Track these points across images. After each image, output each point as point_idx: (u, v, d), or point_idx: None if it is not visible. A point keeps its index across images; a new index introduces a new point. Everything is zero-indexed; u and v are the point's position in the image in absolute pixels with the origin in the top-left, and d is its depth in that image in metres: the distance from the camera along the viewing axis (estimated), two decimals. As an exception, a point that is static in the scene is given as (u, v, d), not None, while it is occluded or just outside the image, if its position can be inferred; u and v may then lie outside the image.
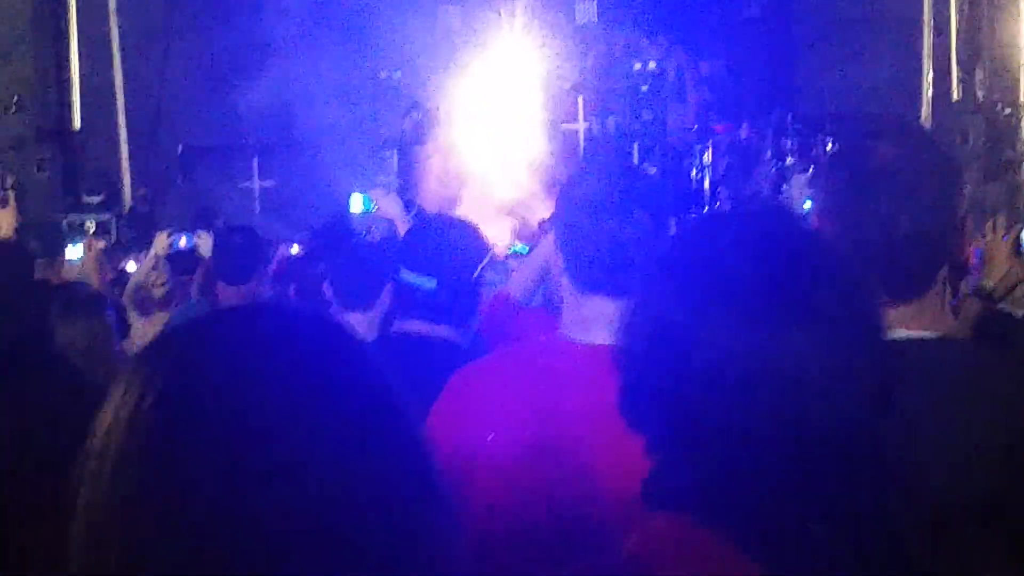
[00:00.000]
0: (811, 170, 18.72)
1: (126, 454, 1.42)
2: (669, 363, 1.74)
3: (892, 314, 2.68)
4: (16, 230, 8.19)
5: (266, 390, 1.40)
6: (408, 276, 4.14)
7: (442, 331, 4.11)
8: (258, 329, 1.50)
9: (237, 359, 1.44)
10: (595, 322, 3.14)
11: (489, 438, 3.06)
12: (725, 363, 1.69)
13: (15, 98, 18.03)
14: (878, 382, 1.75)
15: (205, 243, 8.33)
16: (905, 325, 2.66)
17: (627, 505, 2.92)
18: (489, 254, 4.45)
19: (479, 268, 4.18)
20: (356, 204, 15.14)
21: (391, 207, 7.33)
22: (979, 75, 18.46)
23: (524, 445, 3.08)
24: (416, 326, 4.13)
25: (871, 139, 2.78)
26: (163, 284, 8.51)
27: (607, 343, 3.05)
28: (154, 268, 8.87)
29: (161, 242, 9.32)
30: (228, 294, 6.42)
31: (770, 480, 1.69)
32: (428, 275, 4.11)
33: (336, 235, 5.78)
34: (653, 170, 20.00)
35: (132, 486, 1.40)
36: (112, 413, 1.45)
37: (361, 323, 4.48)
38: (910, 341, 2.65)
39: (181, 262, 9.01)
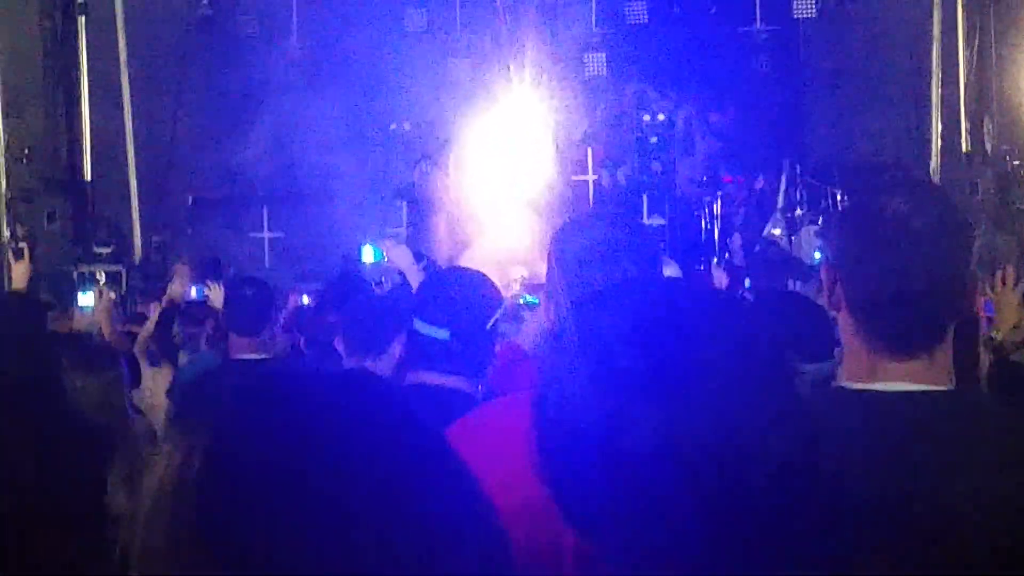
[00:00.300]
0: (820, 221, 18.77)
1: (177, 518, 1.43)
2: (579, 430, 1.74)
3: (903, 368, 2.68)
4: (29, 281, 8.21)
5: (311, 450, 1.41)
6: (421, 327, 4.15)
7: (455, 382, 4.11)
8: (301, 390, 1.50)
9: (284, 420, 1.44)
10: None
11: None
12: (633, 436, 1.68)
13: (26, 150, 18.08)
14: (791, 442, 1.72)
15: (216, 294, 8.36)
16: (916, 379, 2.66)
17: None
18: (502, 305, 4.45)
19: (492, 319, 4.18)
20: (368, 255, 15.17)
21: (401, 258, 7.36)
22: (988, 126, 18.50)
23: (522, 492, 3.08)
24: (429, 377, 4.13)
25: (883, 193, 2.79)
26: (174, 335, 8.53)
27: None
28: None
29: (173, 292, 9.35)
30: (240, 345, 6.43)
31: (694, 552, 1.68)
32: (441, 326, 4.11)
33: (347, 286, 5.79)
34: (662, 221, 20.07)
35: (186, 549, 1.40)
36: (157, 480, 1.46)
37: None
38: (922, 394, 2.65)
39: (192, 313, 9.03)
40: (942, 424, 2.61)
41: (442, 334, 4.11)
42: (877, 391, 2.69)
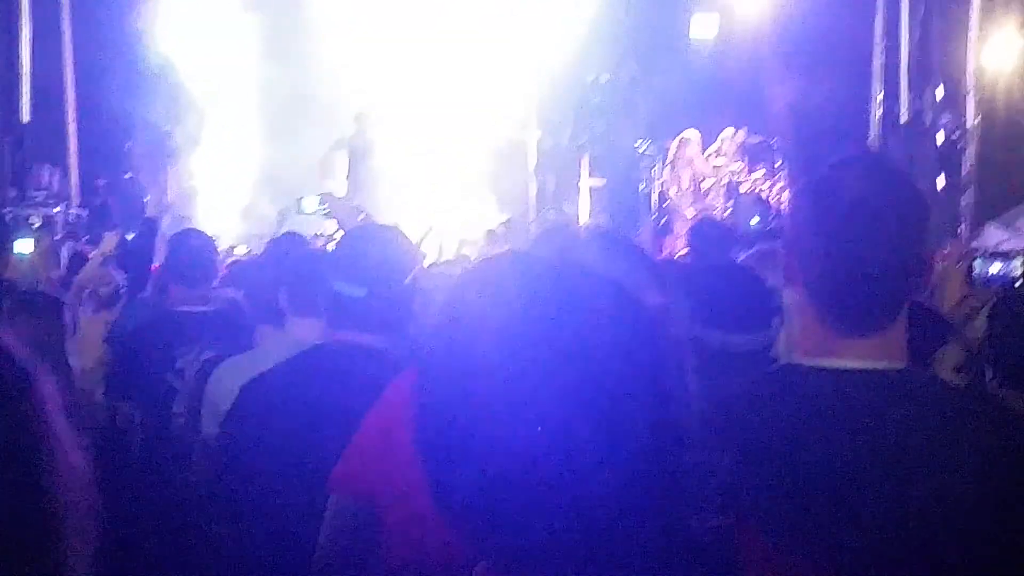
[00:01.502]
0: (755, 189, 18.88)
1: None
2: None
3: (857, 346, 2.69)
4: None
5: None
6: (340, 286, 4.15)
7: (375, 340, 4.11)
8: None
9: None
10: None
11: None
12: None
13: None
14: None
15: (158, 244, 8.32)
16: (870, 357, 2.67)
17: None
18: (420, 263, 4.46)
19: (410, 275, 4.18)
20: (310, 205, 15.17)
21: (342, 211, 7.35)
22: (928, 98, 18.61)
23: None
24: (350, 335, 4.14)
25: (840, 169, 2.79)
26: (109, 283, 8.48)
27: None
28: (101, 267, 8.84)
29: (109, 242, 9.29)
30: (181, 296, 6.41)
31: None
32: (359, 284, 4.11)
33: (288, 241, 5.75)
34: (603, 181, 20.11)
35: None
36: None
37: (313, 330, 4.49)
38: (874, 373, 2.65)
39: (127, 261, 8.97)
40: (894, 403, 2.62)
41: (359, 292, 4.11)
42: (829, 368, 2.69)
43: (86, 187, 20.62)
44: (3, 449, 1.58)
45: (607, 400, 1.64)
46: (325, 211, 16.67)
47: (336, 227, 18.08)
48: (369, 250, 4.22)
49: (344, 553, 3.51)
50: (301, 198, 14.75)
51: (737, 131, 19.22)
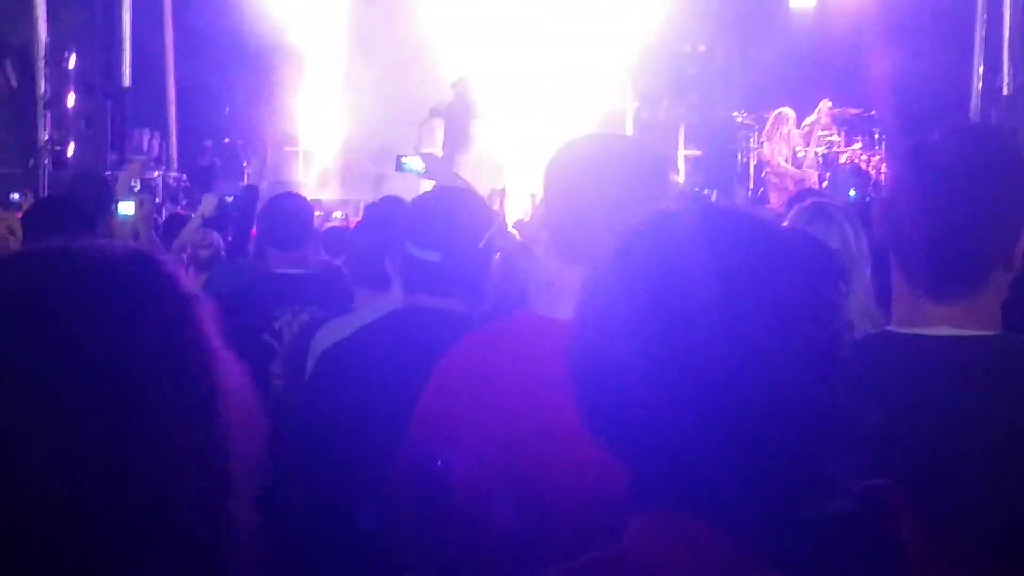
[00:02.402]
0: (853, 160, 18.74)
1: None
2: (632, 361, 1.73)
3: (945, 312, 2.67)
4: (73, 186, 8.23)
5: None
6: (414, 250, 4.16)
7: (450, 303, 4.12)
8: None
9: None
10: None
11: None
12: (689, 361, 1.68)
13: (65, 54, 18.10)
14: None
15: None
16: (958, 323, 2.65)
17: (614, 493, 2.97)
18: (495, 224, 4.45)
19: (484, 238, 4.18)
20: (412, 163, 15.38)
21: (441, 171, 7.40)
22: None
23: (521, 421, 3.09)
24: (425, 299, 4.15)
25: (942, 136, 2.76)
26: (208, 245, 8.55)
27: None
28: (200, 229, 8.92)
29: (208, 204, 9.35)
30: (278, 259, 6.46)
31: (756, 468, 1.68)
32: (432, 248, 4.12)
33: (388, 206, 5.76)
34: (699, 152, 20.04)
35: None
36: None
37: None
38: (962, 339, 2.63)
39: (226, 224, 9.03)
40: (987, 370, 2.59)
41: (433, 256, 4.12)
42: (920, 335, 2.68)
43: (184, 152, 20.81)
44: (172, 369, 1.59)
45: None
46: (424, 171, 16.80)
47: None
48: (442, 214, 4.23)
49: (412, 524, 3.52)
50: (402, 156, 14.85)
51: (834, 103, 19.06)
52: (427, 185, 18.04)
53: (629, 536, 1.75)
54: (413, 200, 4.61)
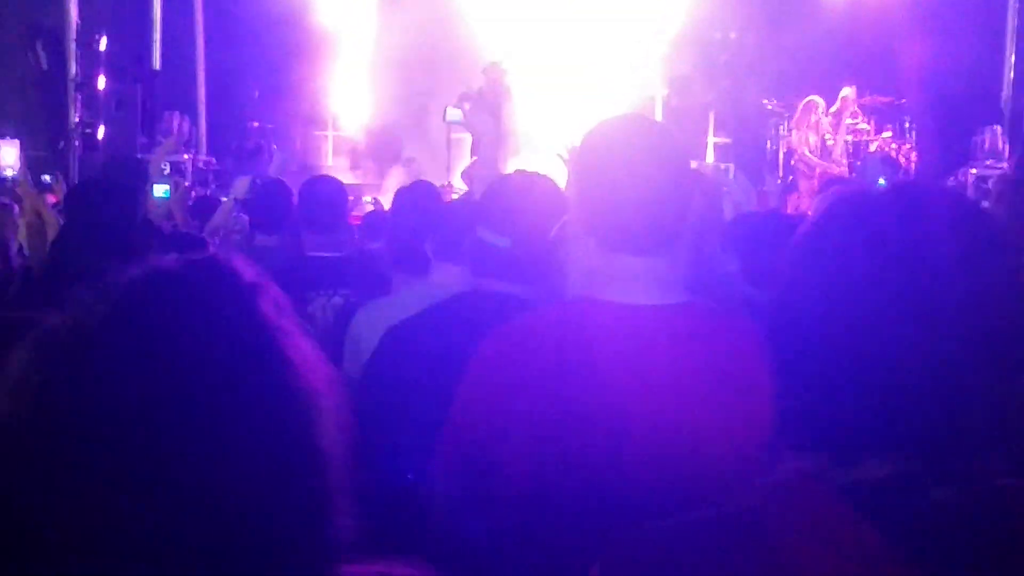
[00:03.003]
0: (880, 148, 18.68)
1: None
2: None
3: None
4: (106, 168, 8.25)
5: None
6: (484, 234, 4.15)
7: (518, 290, 4.11)
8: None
9: None
10: (623, 280, 3.16)
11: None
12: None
13: (96, 36, 18.13)
14: None
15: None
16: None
17: (688, 461, 2.98)
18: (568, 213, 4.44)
19: (555, 227, 4.16)
20: (452, 114, 15.56)
21: (479, 122, 7.40)
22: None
23: (576, 402, 3.11)
24: (493, 284, 4.14)
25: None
26: (241, 230, 8.56)
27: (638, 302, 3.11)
28: (233, 211, 8.94)
29: (241, 186, 9.38)
30: (314, 242, 6.48)
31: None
32: (503, 234, 4.11)
33: (421, 190, 5.76)
34: (729, 140, 20.01)
35: None
36: None
37: (456, 277, 4.50)
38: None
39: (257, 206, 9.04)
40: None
41: (503, 242, 4.11)
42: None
43: (213, 135, 20.83)
44: (250, 365, 1.68)
45: None
46: (463, 120, 16.99)
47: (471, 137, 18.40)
48: (516, 199, 4.21)
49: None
50: (448, 107, 15.08)
51: (854, 89, 19.00)
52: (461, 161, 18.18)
53: (758, 492, 1.75)
54: (489, 184, 4.59)
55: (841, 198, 1.83)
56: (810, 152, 18.43)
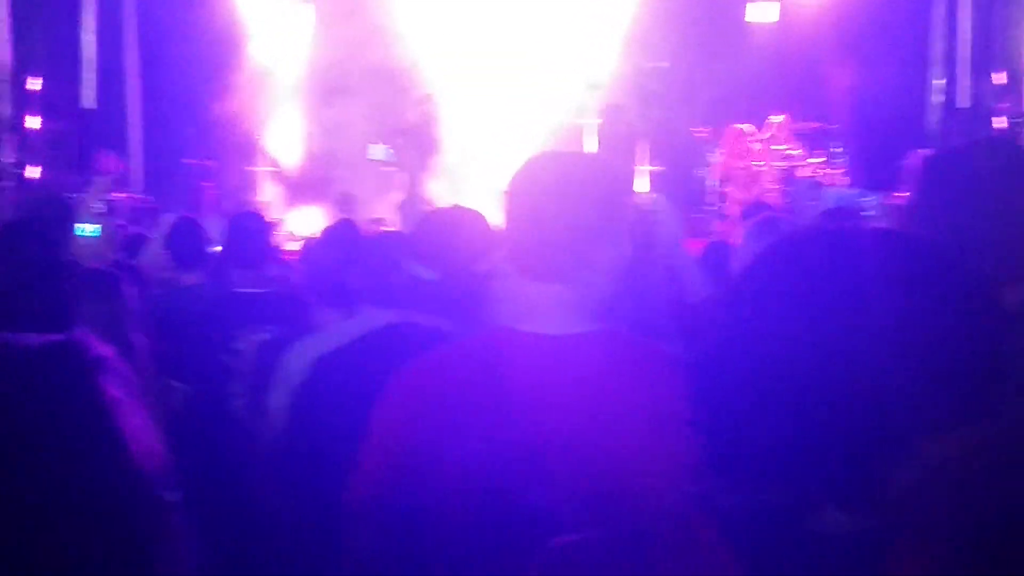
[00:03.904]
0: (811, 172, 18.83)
1: None
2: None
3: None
4: (30, 207, 8.24)
5: None
6: (412, 266, 4.19)
7: (445, 323, 4.14)
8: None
9: None
10: (539, 309, 3.21)
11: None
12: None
13: (28, 76, 18.06)
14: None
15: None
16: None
17: (599, 490, 3.02)
18: (498, 247, 4.46)
19: (485, 262, 4.19)
20: (376, 152, 15.65)
21: (405, 157, 7.43)
22: (988, 84, 18.49)
23: (497, 431, 3.14)
24: (419, 318, 4.17)
25: (973, 149, 2.86)
26: (170, 267, 8.54)
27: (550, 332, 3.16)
28: (160, 249, 8.91)
29: (167, 223, 9.34)
30: (241, 278, 6.51)
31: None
32: (430, 267, 4.14)
33: (345, 227, 5.80)
34: (661, 168, 20.11)
35: None
36: None
37: (378, 313, 4.52)
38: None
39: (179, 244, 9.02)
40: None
41: (431, 275, 4.14)
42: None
43: (149, 172, 20.77)
44: (81, 429, 2.02)
45: None
46: (389, 157, 16.94)
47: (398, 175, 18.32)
48: (444, 234, 4.25)
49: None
50: (369, 145, 15.16)
51: (785, 116, 19.17)
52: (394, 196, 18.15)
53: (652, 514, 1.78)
54: (419, 218, 4.62)
55: (773, 244, 1.87)
56: (737, 179, 18.56)
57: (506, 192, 3.30)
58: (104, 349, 2.09)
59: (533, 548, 2.80)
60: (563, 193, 3.17)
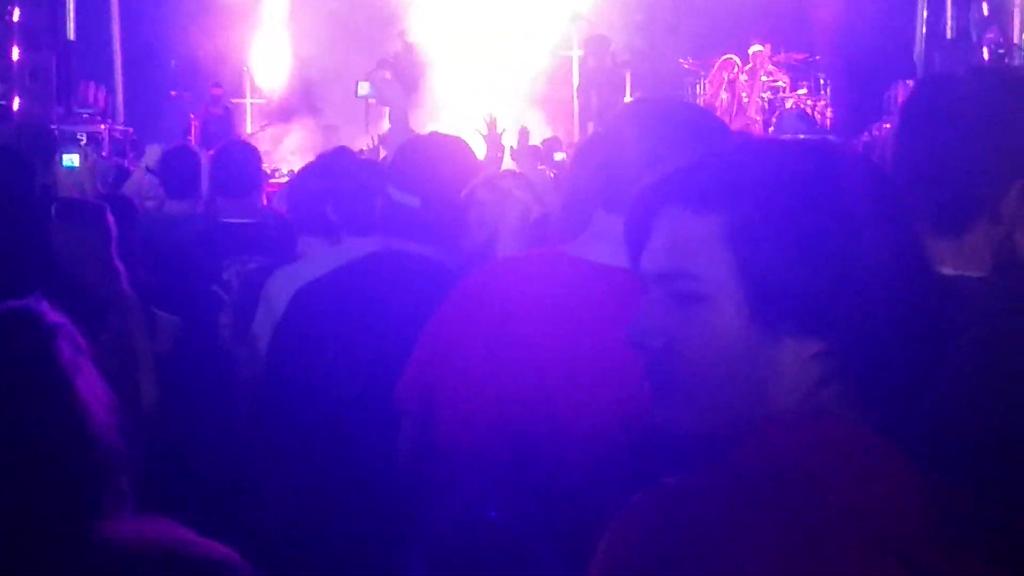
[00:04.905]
0: (796, 104, 18.83)
1: None
2: None
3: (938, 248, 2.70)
4: (14, 137, 8.24)
5: None
6: (394, 193, 4.18)
7: (427, 250, 4.14)
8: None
9: None
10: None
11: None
12: None
13: (9, 7, 17.96)
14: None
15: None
16: (950, 263, 2.68)
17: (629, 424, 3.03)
18: (481, 175, 4.46)
19: (466, 189, 4.19)
20: (363, 89, 15.73)
21: (391, 92, 7.39)
22: (973, 14, 18.45)
23: (540, 351, 3.14)
24: (402, 244, 4.17)
25: (962, 77, 2.84)
26: (154, 197, 8.55)
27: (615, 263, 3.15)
28: (145, 178, 8.91)
29: (152, 154, 9.34)
30: (228, 208, 6.51)
31: None
32: (413, 193, 4.14)
33: (337, 154, 5.77)
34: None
35: None
36: None
37: (362, 241, 4.52)
38: (955, 278, 2.65)
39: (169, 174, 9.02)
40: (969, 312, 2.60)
41: (413, 201, 4.13)
42: None
43: (131, 104, 20.72)
44: (38, 394, 2.20)
45: None
46: (374, 93, 16.89)
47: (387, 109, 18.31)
48: (426, 159, 4.24)
49: (409, 468, 3.55)
50: (359, 82, 15.20)
51: (767, 47, 19.16)
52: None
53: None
54: (400, 144, 4.61)
55: None
56: (723, 110, 18.55)
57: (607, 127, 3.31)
58: (57, 316, 2.25)
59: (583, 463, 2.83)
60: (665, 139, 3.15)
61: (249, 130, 20.97)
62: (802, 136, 16.82)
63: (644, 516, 1.67)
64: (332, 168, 5.29)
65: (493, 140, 7.20)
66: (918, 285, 1.72)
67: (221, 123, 19.98)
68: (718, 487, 1.65)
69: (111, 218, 5.51)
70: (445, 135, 4.57)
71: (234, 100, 21.69)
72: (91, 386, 2.21)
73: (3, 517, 2.12)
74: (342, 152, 5.94)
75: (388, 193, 4.20)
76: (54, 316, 2.25)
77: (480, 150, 4.51)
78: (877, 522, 1.59)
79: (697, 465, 1.71)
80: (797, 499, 1.60)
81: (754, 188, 1.71)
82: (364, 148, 17.16)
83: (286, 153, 19.37)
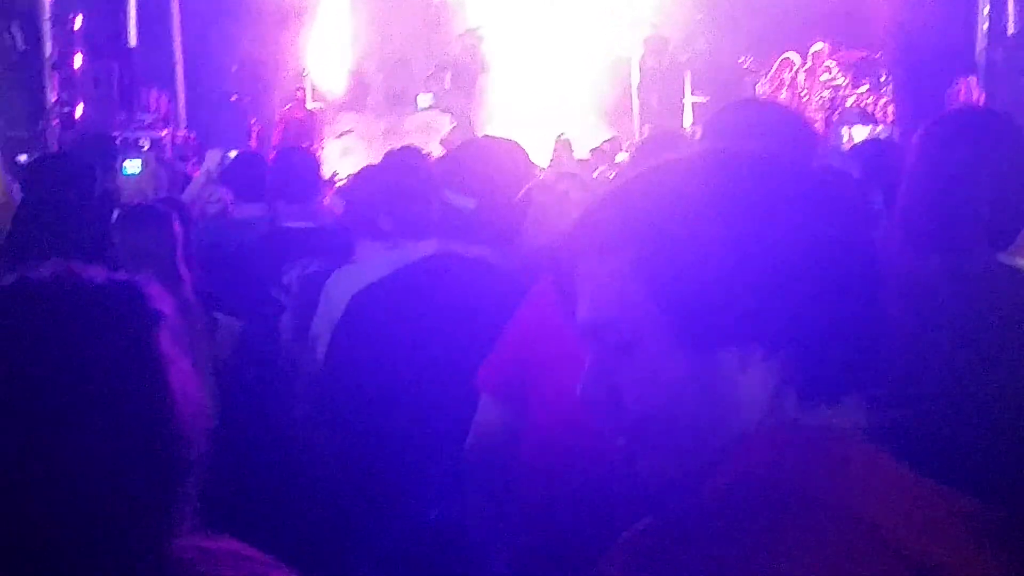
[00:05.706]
0: (857, 102, 18.71)
1: None
2: None
3: None
4: (76, 144, 8.30)
5: None
6: (449, 196, 4.19)
7: (482, 252, 4.15)
8: None
9: None
10: None
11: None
12: None
13: (71, 15, 18.07)
14: None
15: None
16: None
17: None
18: (536, 177, 4.46)
19: (522, 191, 4.20)
20: (424, 101, 15.73)
21: (452, 101, 7.47)
22: (1035, 10, 18.29)
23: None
24: (457, 247, 4.18)
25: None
26: (216, 202, 8.60)
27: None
28: (207, 184, 8.97)
29: (212, 159, 9.39)
30: (288, 212, 6.56)
31: None
32: (468, 195, 4.15)
33: (401, 154, 5.77)
34: (706, 98, 20.02)
35: None
36: None
37: (417, 245, 4.53)
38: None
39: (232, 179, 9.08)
40: None
41: (469, 203, 4.14)
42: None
43: (193, 109, 20.82)
44: (129, 384, 1.91)
45: None
46: (436, 104, 16.95)
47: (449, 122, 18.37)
48: (481, 162, 4.25)
49: (488, 452, 3.58)
50: (418, 95, 15.23)
51: (826, 45, 19.07)
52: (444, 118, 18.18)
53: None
54: (456, 147, 4.62)
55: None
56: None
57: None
58: (165, 303, 2.01)
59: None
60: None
61: (310, 133, 21.03)
62: (863, 131, 16.73)
63: (635, 564, 1.62)
64: (387, 174, 5.30)
65: (561, 158, 7.23)
66: (840, 268, 1.67)
67: (302, 126, 20.05)
68: (708, 520, 1.61)
69: (177, 225, 5.55)
70: (500, 138, 4.58)
71: (292, 103, 21.76)
72: (185, 385, 1.97)
73: (69, 514, 1.89)
74: (407, 152, 5.98)
75: (444, 196, 4.21)
76: (162, 302, 2.00)
77: (542, 157, 4.52)
78: (880, 529, 1.56)
79: (676, 498, 1.68)
80: (794, 519, 1.57)
81: (647, 217, 1.68)
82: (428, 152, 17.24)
83: (344, 155, 19.43)
